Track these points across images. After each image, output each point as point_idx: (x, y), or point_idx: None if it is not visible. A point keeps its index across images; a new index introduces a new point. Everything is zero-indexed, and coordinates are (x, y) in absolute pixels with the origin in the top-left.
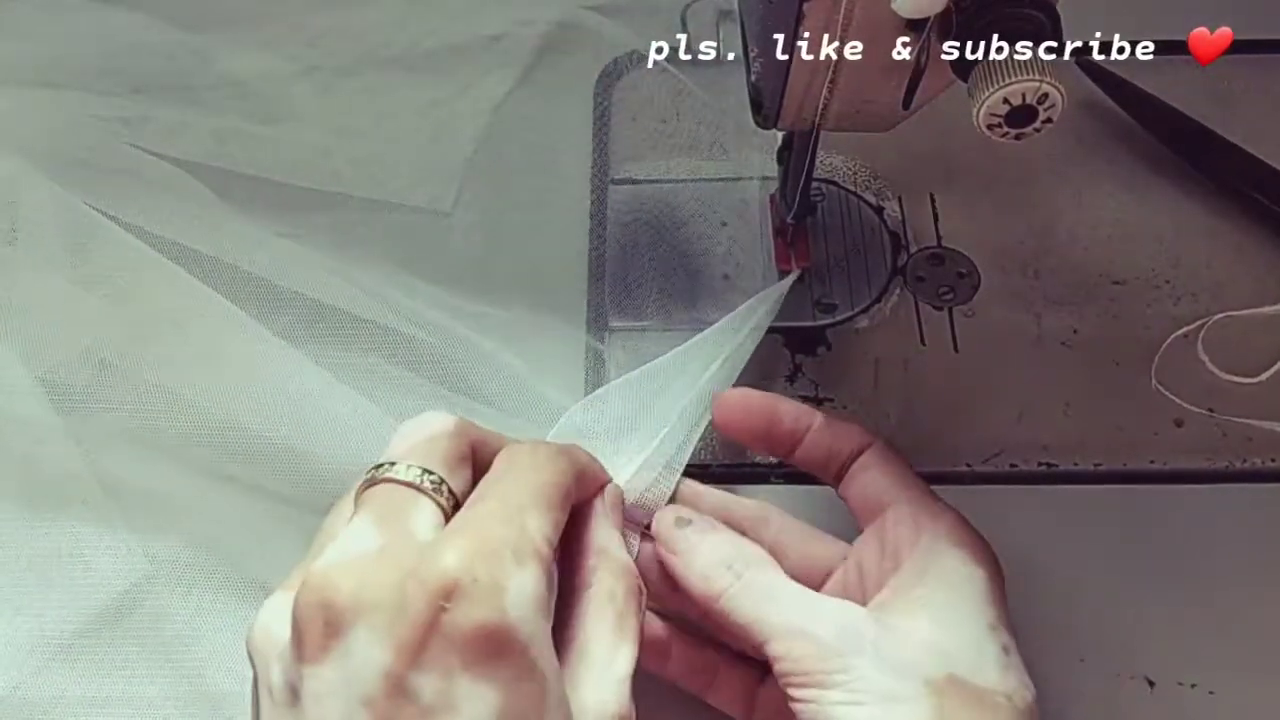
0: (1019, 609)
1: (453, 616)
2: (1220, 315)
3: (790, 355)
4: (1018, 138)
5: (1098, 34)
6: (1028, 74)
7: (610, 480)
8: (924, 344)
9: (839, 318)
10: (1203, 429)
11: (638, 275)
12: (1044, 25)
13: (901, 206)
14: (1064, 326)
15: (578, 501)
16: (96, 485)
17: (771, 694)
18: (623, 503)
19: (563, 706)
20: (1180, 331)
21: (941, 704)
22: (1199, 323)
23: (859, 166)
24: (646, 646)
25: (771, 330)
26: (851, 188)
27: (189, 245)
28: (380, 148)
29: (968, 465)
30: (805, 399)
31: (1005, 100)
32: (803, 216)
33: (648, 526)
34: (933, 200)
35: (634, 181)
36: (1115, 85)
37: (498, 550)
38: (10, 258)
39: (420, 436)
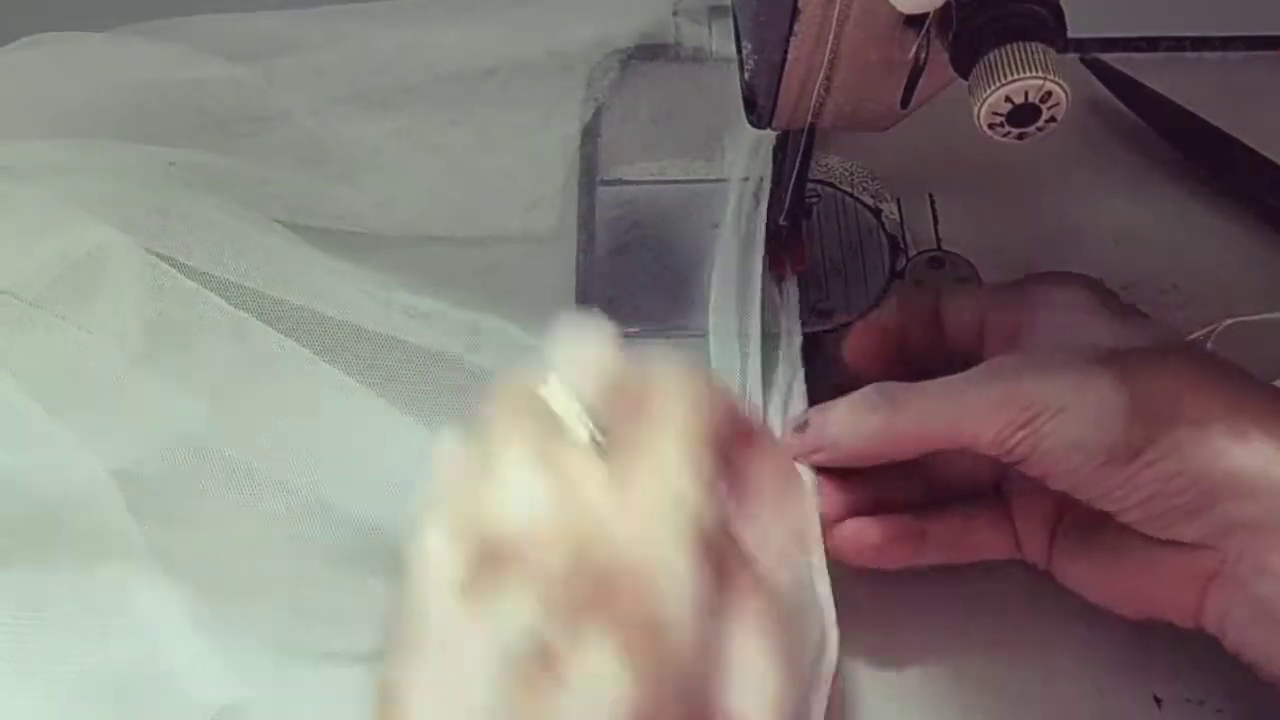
0: (1023, 623)
1: (612, 587)
2: (1229, 321)
3: (780, 360)
4: (1020, 137)
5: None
6: (1031, 71)
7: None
8: None
9: (835, 323)
10: None
11: (627, 279)
12: (1047, 21)
13: (900, 208)
14: None
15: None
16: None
17: (1014, 498)
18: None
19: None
20: (1189, 338)
21: (1118, 366)
22: (1207, 329)
23: (855, 167)
24: (880, 550)
25: (766, 335)
26: (848, 189)
27: (289, 299)
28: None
29: None
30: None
31: (1007, 98)
32: (798, 219)
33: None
34: (932, 202)
35: (624, 183)
36: (1122, 83)
37: (658, 533)
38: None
39: (585, 360)
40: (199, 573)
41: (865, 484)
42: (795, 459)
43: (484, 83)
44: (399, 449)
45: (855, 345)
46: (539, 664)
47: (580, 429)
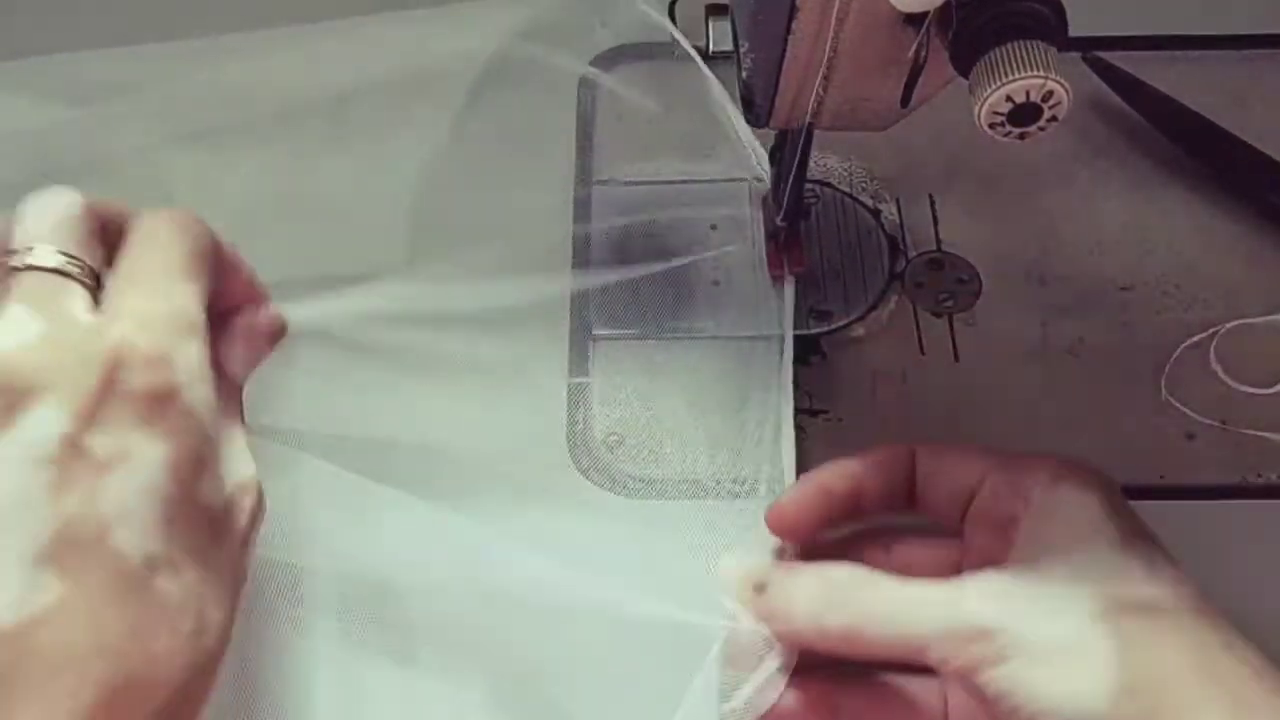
0: None
1: (125, 382)
2: (1234, 323)
3: (778, 363)
4: (1021, 137)
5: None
6: (1032, 70)
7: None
8: (923, 353)
9: (834, 326)
10: (1215, 442)
11: (623, 281)
12: (1048, 19)
13: (899, 209)
14: (1070, 335)
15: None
16: None
17: (961, 696)
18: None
19: (220, 462)
20: (1192, 340)
21: (1117, 629)
22: (1211, 331)
23: (855, 167)
24: (812, 714)
25: (763, 339)
26: (847, 189)
27: None
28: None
29: None
30: (799, 410)
31: (1008, 98)
32: (796, 219)
33: None
34: (932, 202)
35: (619, 183)
36: (1124, 82)
37: (159, 326)
38: None
39: (53, 218)
40: None
41: None
42: (746, 605)
43: (339, 111)
44: None
45: (789, 510)
46: (71, 456)
47: (75, 280)
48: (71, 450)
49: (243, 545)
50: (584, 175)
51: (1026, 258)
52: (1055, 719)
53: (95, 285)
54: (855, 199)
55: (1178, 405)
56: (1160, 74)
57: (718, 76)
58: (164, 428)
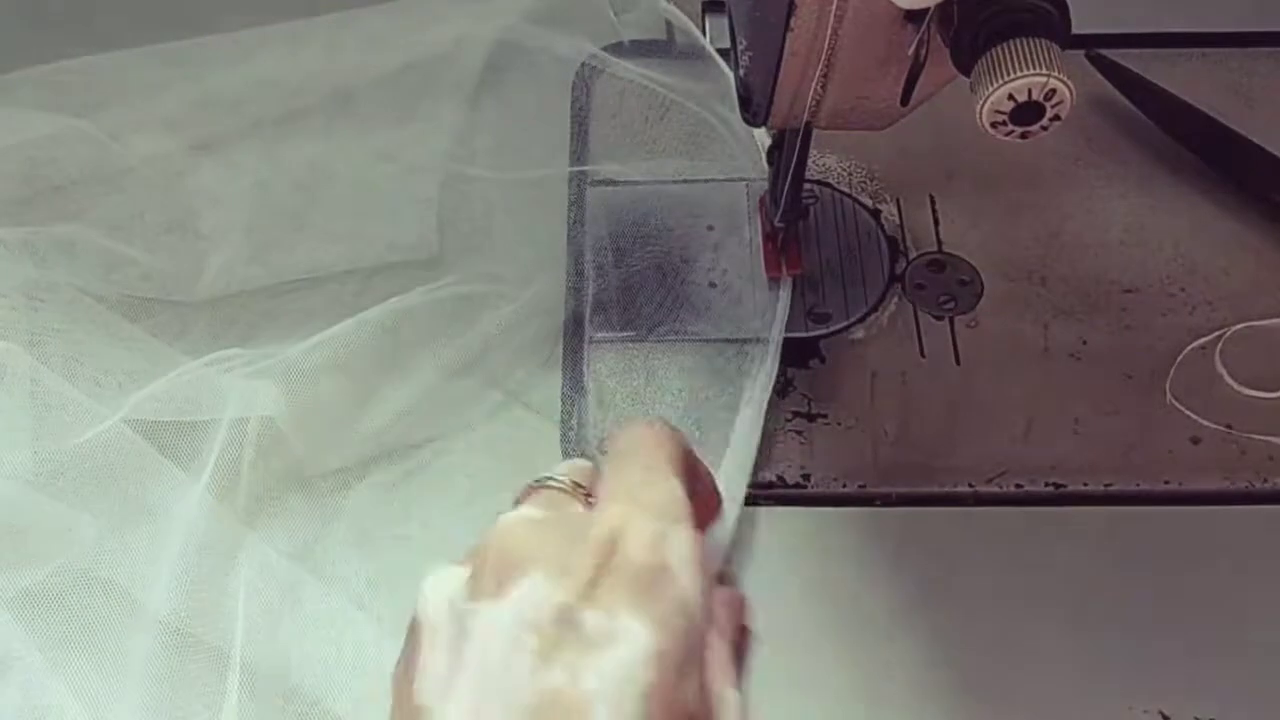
0: (1026, 638)
1: (620, 561)
2: (1239, 326)
3: (782, 368)
4: (1023, 136)
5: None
6: (1034, 68)
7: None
8: (924, 356)
9: (833, 328)
10: (1220, 447)
11: (618, 283)
12: (1051, 16)
13: (899, 209)
14: (1073, 337)
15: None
16: None
17: None
18: None
19: (702, 669)
20: (1197, 343)
21: None
22: (1216, 333)
23: (854, 167)
24: None
25: (760, 342)
26: (846, 189)
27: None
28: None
29: (970, 486)
30: (797, 414)
31: (1010, 96)
32: (794, 220)
33: None
34: (932, 203)
35: (614, 183)
36: (1128, 80)
37: (658, 510)
38: None
39: (570, 465)
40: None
41: None
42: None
43: (344, 110)
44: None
45: None
46: (562, 628)
47: (580, 500)
48: (564, 622)
49: None
50: (579, 175)
51: (1029, 259)
52: None
53: (587, 501)
54: (854, 199)
55: (1182, 409)
56: (1165, 72)
57: (712, 76)
58: (657, 612)
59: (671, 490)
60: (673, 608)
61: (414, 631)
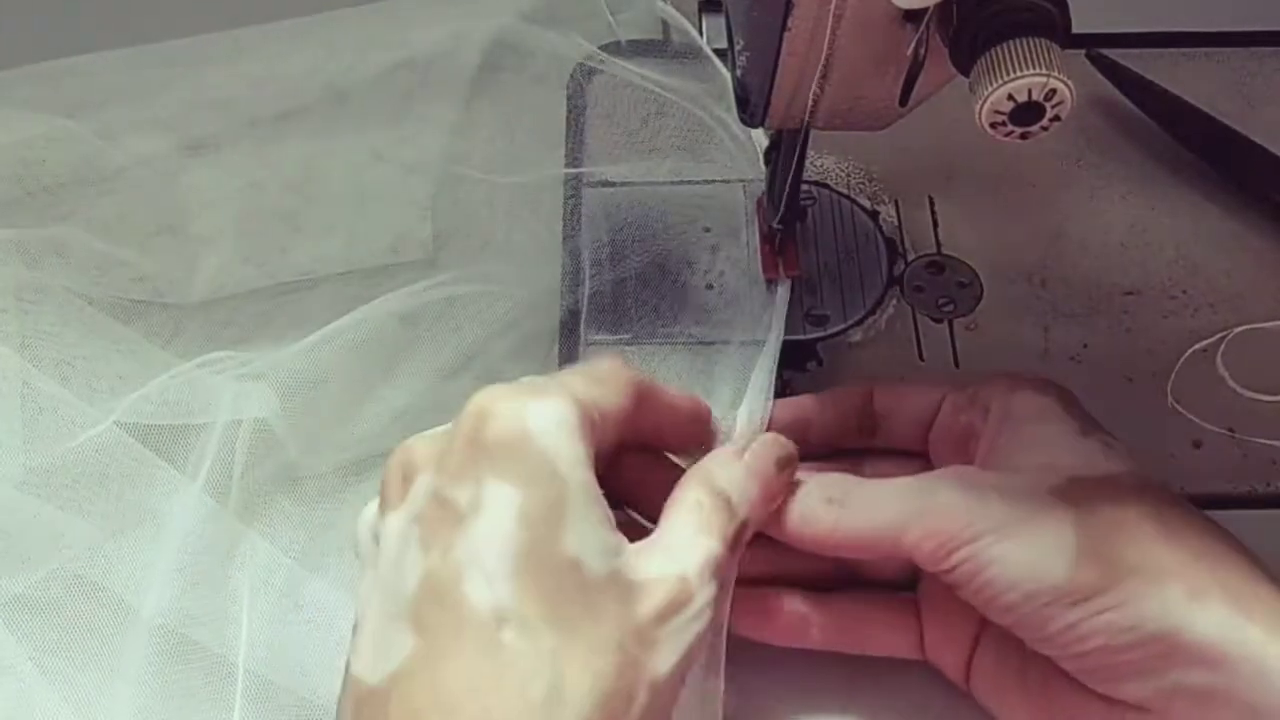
0: None
1: (480, 432)
2: (1242, 328)
3: (779, 371)
4: (1023, 137)
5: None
6: (1034, 68)
7: (708, 415)
8: (922, 359)
9: (830, 331)
10: (1223, 451)
11: (614, 285)
12: (1051, 15)
13: (898, 211)
14: (1073, 340)
15: (670, 430)
16: None
17: (934, 601)
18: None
19: (595, 522)
20: (1199, 345)
21: (1076, 499)
22: (1219, 336)
23: (852, 168)
24: (775, 625)
25: (758, 345)
26: (844, 191)
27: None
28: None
29: None
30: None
31: (1010, 96)
32: (792, 222)
33: None
34: (932, 204)
35: (610, 184)
36: (1129, 80)
37: (526, 387)
38: None
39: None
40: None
41: (770, 549)
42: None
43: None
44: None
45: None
46: (437, 510)
47: None
48: (439, 504)
49: (644, 639)
50: (575, 176)
51: (1029, 261)
52: (1021, 590)
53: None
54: (853, 200)
55: (1184, 413)
56: (1167, 72)
57: (709, 76)
58: (519, 471)
59: (560, 380)
60: (535, 465)
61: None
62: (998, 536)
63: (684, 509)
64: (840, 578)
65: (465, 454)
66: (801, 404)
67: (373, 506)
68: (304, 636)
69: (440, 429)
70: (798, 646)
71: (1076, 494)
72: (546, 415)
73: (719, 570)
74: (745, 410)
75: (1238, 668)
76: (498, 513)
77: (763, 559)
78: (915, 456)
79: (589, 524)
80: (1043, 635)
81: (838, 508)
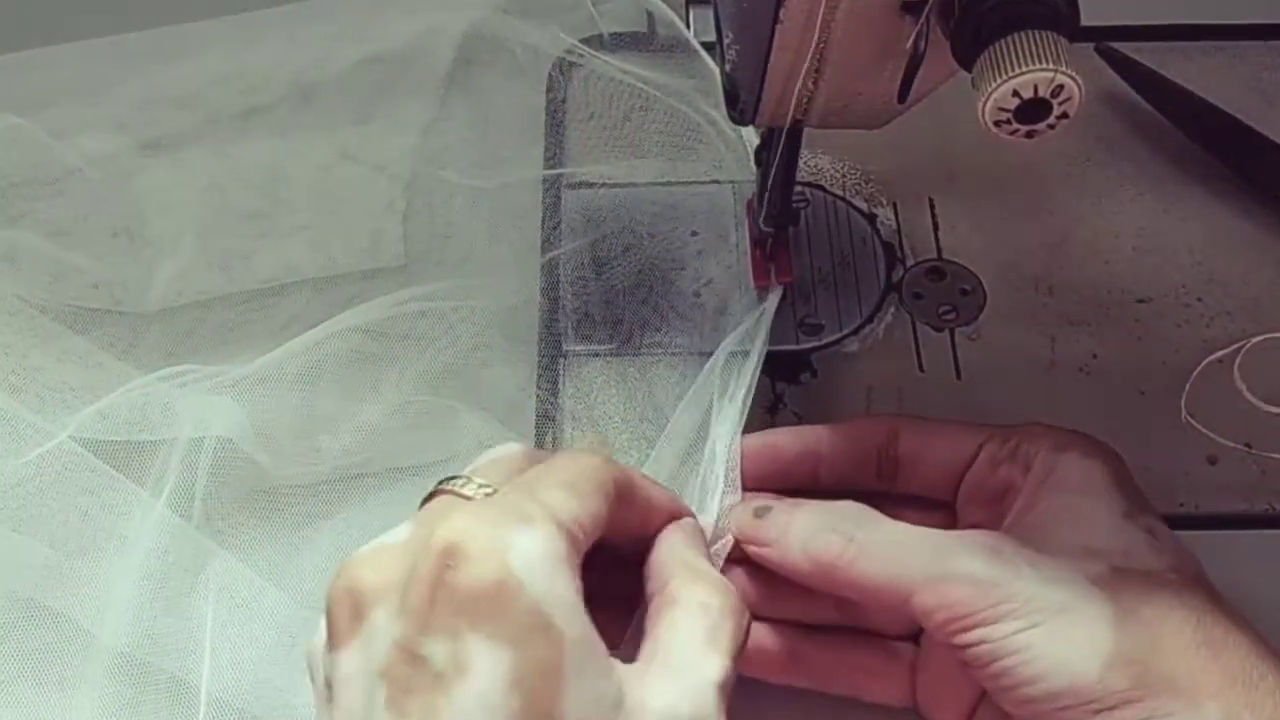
0: None
1: (454, 576)
2: (1259, 337)
3: (771, 383)
4: (1029, 136)
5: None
6: (1040, 62)
7: (687, 512)
8: (922, 370)
9: (826, 340)
10: (1239, 467)
11: (596, 293)
12: (1059, 7)
13: (896, 214)
14: (1081, 350)
15: (646, 529)
16: None
17: (936, 660)
18: (704, 534)
19: (595, 675)
20: (1214, 356)
21: (1115, 595)
22: (1235, 346)
23: (848, 168)
24: (766, 661)
25: (747, 355)
26: (840, 192)
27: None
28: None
29: None
30: None
31: (1015, 93)
32: (784, 225)
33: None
34: (932, 207)
35: (592, 186)
36: (1140, 76)
37: (501, 515)
38: None
39: (487, 459)
40: None
41: (767, 585)
42: (739, 538)
43: (305, 106)
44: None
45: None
46: (407, 666)
47: (464, 485)
48: (407, 659)
49: None
50: (554, 177)
51: (1034, 267)
52: (1043, 686)
53: None
54: (848, 203)
55: (1198, 427)
56: (1180, 66)
57: (696, 71)
58: (505, 629)
59: (537, 499)
60: (522, 620)
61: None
62: (1026, 622)
63: (686, 613)
64: (838, 624)
65: (437, 600)
66: (811, 436)
67: (321, 634)
68: (276, 658)
69: (389, 543)
70: (785, 683)
71: (1117, 588)
72: (532, 553)
73: (729, 687)
74: (720, 447)
75: None
76: (486, 678)
77: (760, 595)
78: (938, 507)
79: (589, 680)
80: None
81: (848, 544)
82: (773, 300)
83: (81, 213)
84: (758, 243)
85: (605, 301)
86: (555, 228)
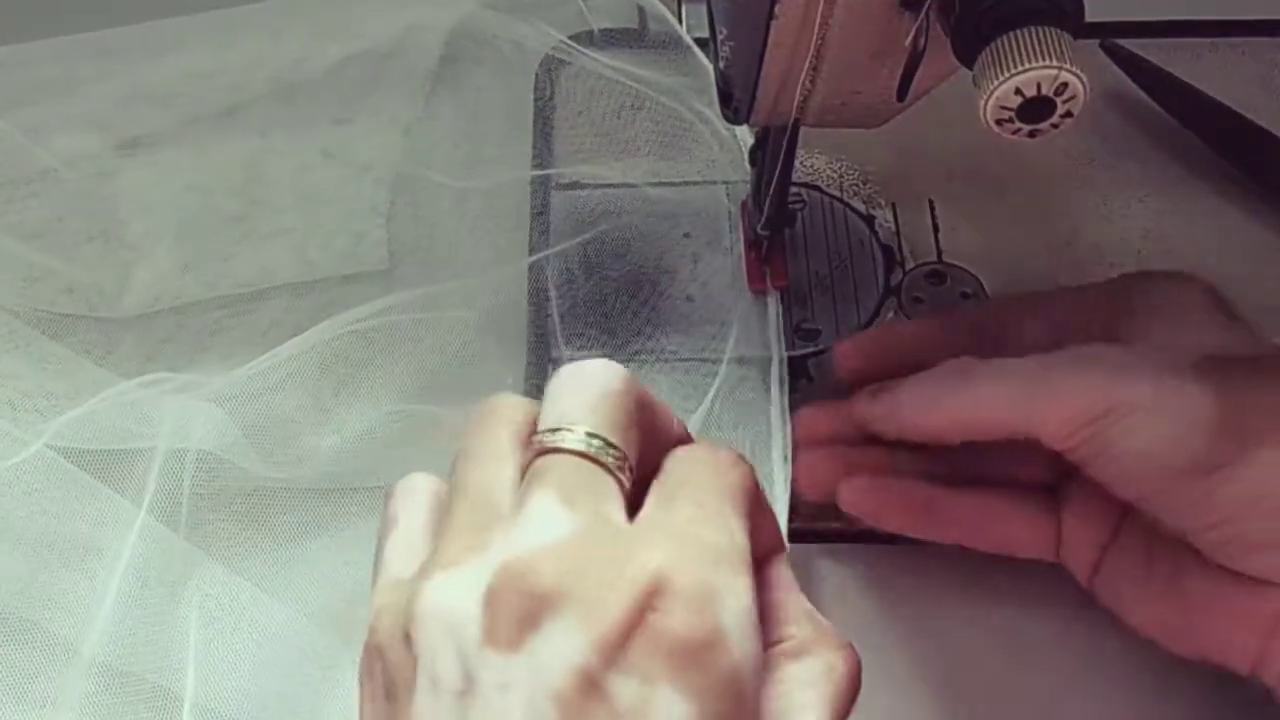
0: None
1: (662, 619)
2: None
3: (765, 389)
4: (1032, 135)
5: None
6: (1044, 60)
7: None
8: None
9: (822, 346)
10: None
11: (586, 297)
12: (1063, 3)
13: (895, 215)
14: None
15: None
16: None
17: (1071, 498)
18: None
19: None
20: None
21: (1217, 373)
22: None
23: (845, 169)
24: (911, 514)
25: (743, 361)
26: (837, 193)
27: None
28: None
29: None
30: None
31: (1017, 91)
32: (779, 227)
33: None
34: (932, 208)
35: (582, 187)
36: (1147, 73)
37: (711, 556)
38: None
39: (591, 393)
40: None
41: (910, 458)
42: (863, 423)
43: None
44: None
45: (851, 353)
46: (586, 697)
47: (611, 473)
48: (588, 689)
49: None
50: (543, 178)
51: (1038, 270)
52: (1155, 461)
53: (629, 481)
54: (846, 204)
55: None
56: (1188, 64)
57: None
58: (702, 685)
59: (732, 534)
60: (722, 681)
61: (379, 654)
62: (1127, 411)
63: (810, 675)
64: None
65: (635, 639)
66: (924, 323)
67: (457, 605)
68: (262, 671)
69: (554, 540)
70: (932, 538)
71: (1221, 370)
72: (741, 610)
73: None
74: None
75: None
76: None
77: (892, 458)
78: None
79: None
80: (1174, 507)
81: (962, 389)
82: (773, 306)
83: (56, 214)
84: (752, 245)
85: (595, 305)
86: (544, 230)
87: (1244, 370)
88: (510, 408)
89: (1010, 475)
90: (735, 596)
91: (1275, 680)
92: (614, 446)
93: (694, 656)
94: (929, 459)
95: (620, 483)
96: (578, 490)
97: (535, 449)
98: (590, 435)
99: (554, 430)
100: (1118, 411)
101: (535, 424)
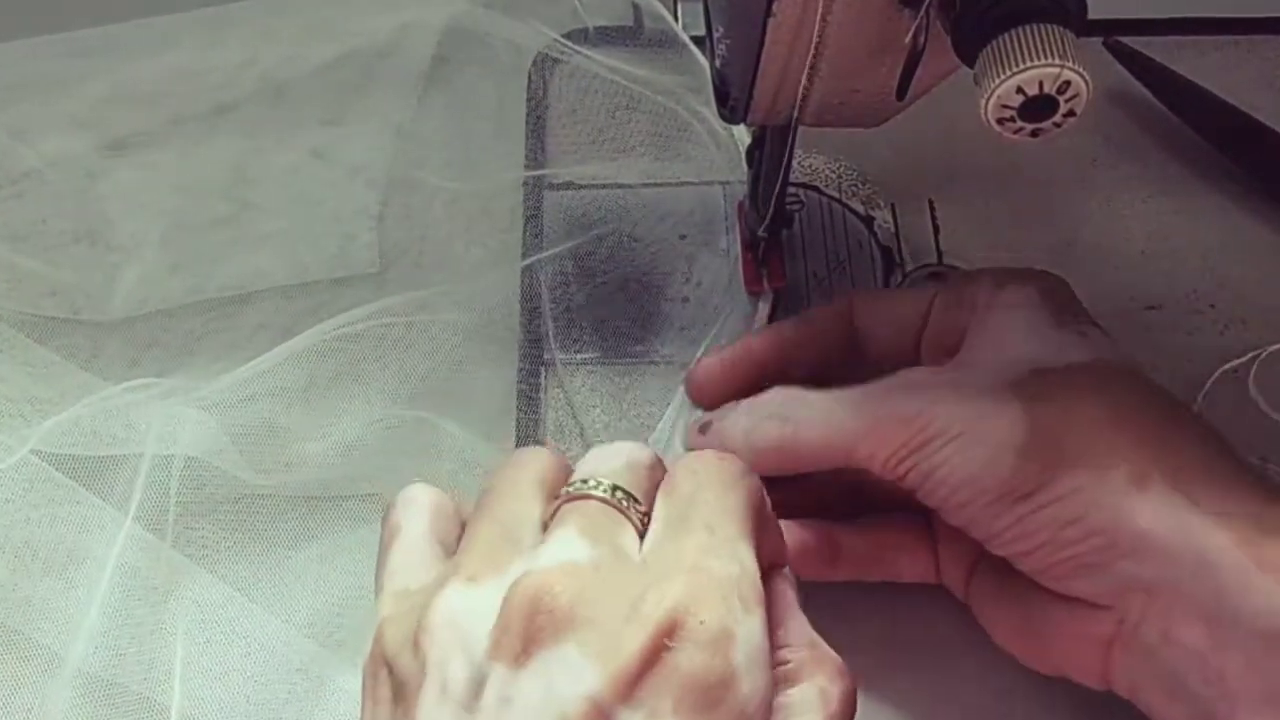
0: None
1: (676, 657)
2: (1275, 346)
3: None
4: (1034, 134)
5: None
6: (1046, 58)
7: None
8: None
9: None
10: None
11: (580, 299)
12: (1065, 1)
13: (895, 216)
14: None
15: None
16: None
17: (942, 525)
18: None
19: None
20: (1228, 365)
21: (1032, 390)
22: (1250, 355)
23: (844, 169)
24: (811, 558)
25: None
26: (835, 194)
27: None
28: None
29: None
30: None
31: (1019, 90)
32: (777, 228)
33: None
34: (932, 209)
35: (576, 187)
36: (1151, 71)
37: (725, 592)
38: None
39: (618, 462)
40: None
41: (788, 484)
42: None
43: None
44: None
45: (704, 379)
46: None
47: (628, 517)
48: (597, 717)
49: None
50: (535, 178)
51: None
52: (968, 490)
53: (644, 528)
54: (845, 205)
55: None
56: (1192, 62)
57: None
58: (706, 709)
59: (743, 562)
60: (729, 718)
61: (385, 662)
62: (945, 439)
63: (805, 700)
64: (851, 511)
65: (648, 675)
66: (778, 331)
67: (470, 611)
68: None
69: (572, 560)
70: (830, 579)
71: (1034, 387)
72: (753, 646)
73: None
74: None
75: (1179, 559)
76: None
77: (787, 500)
78: None
79: None
80: (993, 534)
81: (785, 425)
82: (763, 306)
83: (40, 216)
84: (750, 246)
85: (589, 308)
86: (537, 231)
87: (1056, 386)
88: (540, 458)
89: (892, 499)
90: (748, 633)
91: (1127, 693)
92: (637, 500)
93: (706, 695)
94: (817, 488)
95: (637, 528)
96: (599, 527)
97: (562, 498)
98: (615, 488)
99: (582, 482)
100: (937, 441)
101: (563, 477)
